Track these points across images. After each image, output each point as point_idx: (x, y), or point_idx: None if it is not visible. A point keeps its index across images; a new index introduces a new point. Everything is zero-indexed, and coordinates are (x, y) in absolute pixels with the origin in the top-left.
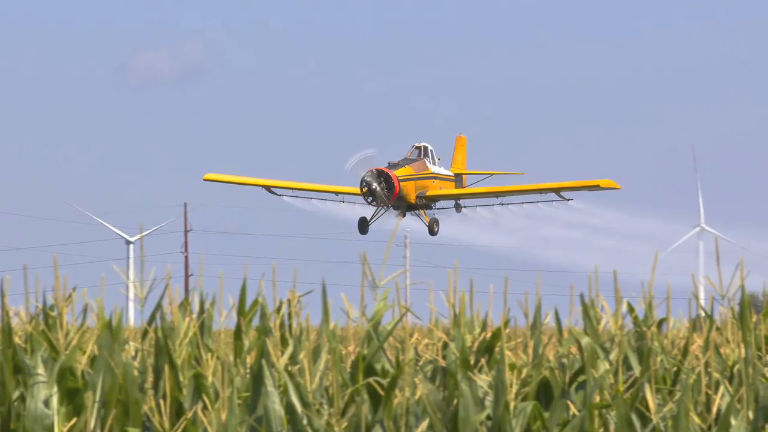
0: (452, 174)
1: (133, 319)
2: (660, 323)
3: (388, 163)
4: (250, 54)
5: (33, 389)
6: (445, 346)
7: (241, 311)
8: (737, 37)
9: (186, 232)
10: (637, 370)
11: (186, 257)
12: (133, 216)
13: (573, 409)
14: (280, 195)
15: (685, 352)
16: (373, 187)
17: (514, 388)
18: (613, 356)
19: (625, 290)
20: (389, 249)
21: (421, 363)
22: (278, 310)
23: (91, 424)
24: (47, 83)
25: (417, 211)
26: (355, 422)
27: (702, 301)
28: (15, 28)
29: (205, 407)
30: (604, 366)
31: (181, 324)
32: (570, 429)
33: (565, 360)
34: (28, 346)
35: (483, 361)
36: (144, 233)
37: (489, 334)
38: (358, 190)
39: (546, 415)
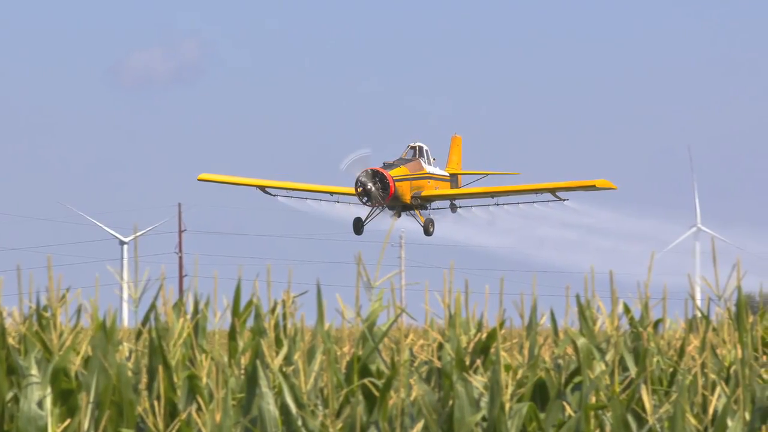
0: (447, 174)
1: (127, 319)
2: (656, 324)
3: (383, 163)
4: (244, 54)
5: (26, 390)
6: (441, 346)
7: (235, 312)
8: (734, 37)
9: (180, 232)
10: (633, 371)
11: (180, 258)
12: (127, 216)
13: (569, 410)
14: (274, 195)
15: (681, 352)
16: (368, 187)
17: (510, 389)
18: (609, 357)
19: (621, 291)
20: (384, 249)
21: (416, 364)
22: (273, 310)
23: (85, 425)
24: (40, 83)
25: (412, 212)
26: (350, 423)
27: (698, 302)
28: (8, 28)
29: (199, 408)
30: (600, 367)
31: (176, 325)
32: (566, 430)
33: (560, 361)
34: (21, 346)
35: (478, 362)
36: (138, 233)
37: (484, 335)
38: (353, 191)
39: (542, 416)
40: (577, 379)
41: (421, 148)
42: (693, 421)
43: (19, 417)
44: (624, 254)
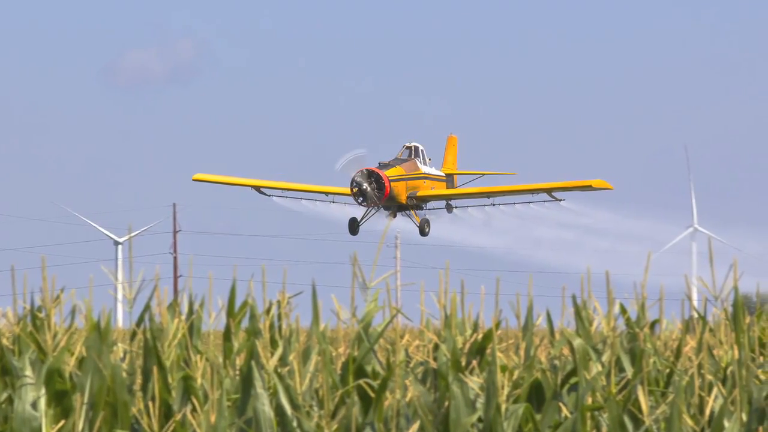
0: (443, 174)
1: (121, 320)
2: (653, 324)
3: (379, 163)
4: (239, 54)
5: (21, 391)
6: (436, 347)
7: (230, 312)
8: (730, 37)
9: (175, 232)
10: (629, 371)
11: (175, 258)
12: (121, 216)
13: (565, 411)
14: (269, 195)
15: (677, 353)
16: (364, 187)
17: (506, 390)
18: (605, 358)
19: (618, 291)
20: (380, 250)
21: (411, 365)
22: (268, 311)
23: (80, 427)
24: (35, 82)
25: (408, 212)
26: (346, 424)
27: (695, 303)
28: (2, 27)
29: (194, 409)
30: (596, 368)
31: (170, 325)
32: (562, 431)
33: (557, 362)
34: (15, 347)
35: (474, 362)
36: (133, 234)
37: (480, 336)
38: (348, 191)
39: (538, 417)
40: (573, 380)
41: (416, 148)
42: (690, 422)
43: (13, 418)
44: (620, 255)
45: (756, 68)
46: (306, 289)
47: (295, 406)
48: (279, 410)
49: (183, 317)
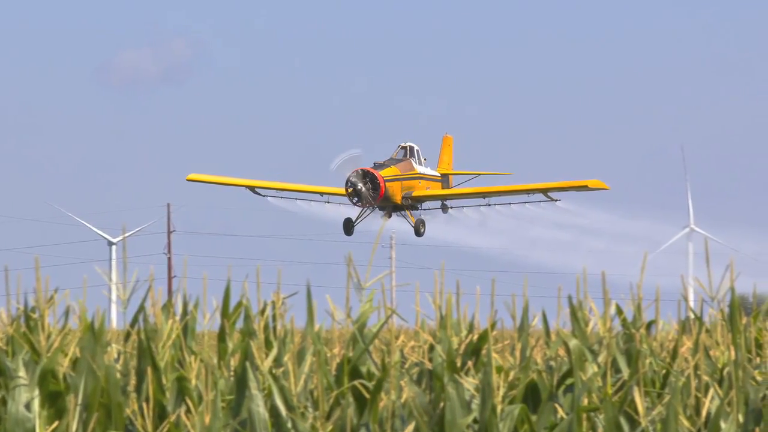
0: (438, 174)
1: (115, 321)
2: (649, 325)
3: (374, 164)
4: (234, 53)
5: (14, 392)
6: (432, 348)
7: (224, 313)
8: (727, 37)
9: (169, 233)
10: (625, 372)
11: (169, 258)
12: (115, 217)
13: (561, 412)
14: (264, 195)
15: (674, 354)
16: (359, 187)
17: (501, 391)
18: (601, 359)
19: (614, 292)
20: (375, 250)
21: (407, 365)
22: (262, 312)
23: (74, 428)
24: (29, 82)
25: (403, 212)
26: (341, 425)
27: (691, 303)
28: None
29: (188, 410)
30: (592, 368)
31: (164, 326)
32: None
33: (552, 362)
34: (9, 348)
35: (470, 363)
36: (127, 234)
37: (476, 337)
38: (343, 191)
39: (533, 418)
40: (569, 381)
41: (411, 148)
42: (686, 423)
43: (6, 419)
44: (617, 255)
45: (753, 68)
46: (301, 290)
47: (289, 407)
48: (274, 411)
49: (177, 318)
